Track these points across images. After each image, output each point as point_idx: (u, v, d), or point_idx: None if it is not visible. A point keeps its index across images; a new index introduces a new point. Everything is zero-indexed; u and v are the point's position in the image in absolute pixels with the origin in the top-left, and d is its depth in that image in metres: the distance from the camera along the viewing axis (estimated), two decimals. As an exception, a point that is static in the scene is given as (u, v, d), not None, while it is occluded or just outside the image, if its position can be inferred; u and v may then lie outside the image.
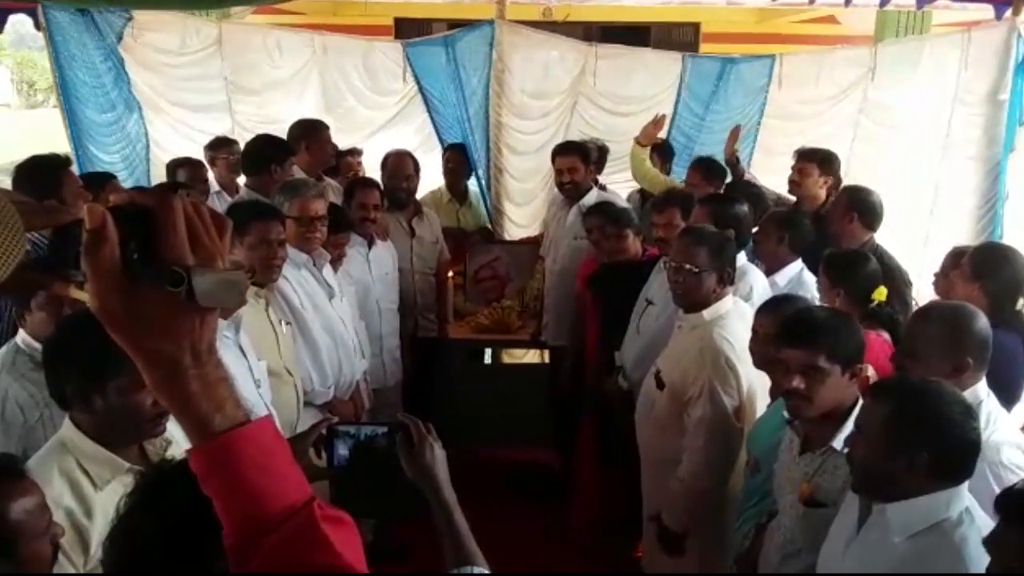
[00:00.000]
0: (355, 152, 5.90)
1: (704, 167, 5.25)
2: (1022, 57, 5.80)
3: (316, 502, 0.95)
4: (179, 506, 1.26)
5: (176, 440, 2.12)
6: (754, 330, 3.03)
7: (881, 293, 3.23)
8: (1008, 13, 5.83)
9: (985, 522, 1.97)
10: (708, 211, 3.95)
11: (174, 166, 5.32)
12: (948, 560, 1.91)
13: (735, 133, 5.51)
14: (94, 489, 1.99)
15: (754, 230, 4.27)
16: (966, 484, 2.01)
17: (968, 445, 2.00)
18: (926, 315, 2.65)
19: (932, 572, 1.92)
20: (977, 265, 3.34)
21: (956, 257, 3.79)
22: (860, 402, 2.47)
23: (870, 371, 3.29)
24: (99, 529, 1.92)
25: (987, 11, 6.14)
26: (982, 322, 2.62)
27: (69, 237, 3.05)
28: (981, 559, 1.77)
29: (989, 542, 1.65)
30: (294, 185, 3.91)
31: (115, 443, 2.04)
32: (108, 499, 1.94)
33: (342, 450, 1.80)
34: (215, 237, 0.90)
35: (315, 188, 3.91)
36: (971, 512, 1.99)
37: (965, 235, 5.88)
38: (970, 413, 2.02)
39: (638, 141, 5.37)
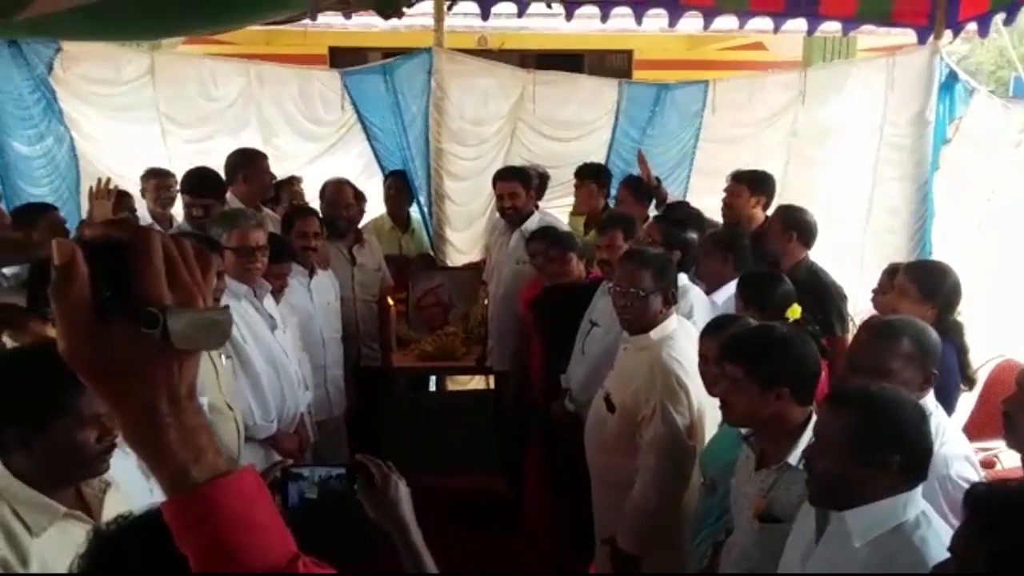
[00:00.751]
0: (295, 180, 5.84)
1: (633, 186, 5.38)
2: (944, 79, 6.01)
3: (301, 559, 0.90)
4: (139, 571, 1.18)
5: (115, 483, 2.04)
6: (702, 355, 3.06)
7: (795, 311, 3.28)
8: (931, 38, 6.03)
9: (942, 527, 2.01)
10: (660, 229, 3.97)
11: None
12: (910, 560, 1.94)
13: (641, 158, 5.67)
14: (30, 536, 1.90)
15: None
16: (920, 488, 2.05)
17: (929, 447, 2.07)
18: (892, 332, 2.70)
19: (897, 573, 1.94)
20: (925, 286, 3.46)
21: (892, 274, 3.90)
22: (814, 417, 2.51)
23: None
24: (35, 578, 1.83)
25: (910, 36, 6.36)
26: (936, 335, 2.75)
27: (46, 273, 2.94)
28: (942, 559, 1.80)
29: (956, 540, 1.67)
30: (232, 215, 3.84)
31: (53, 485, 1.95)
32: (45, 546, 1.87)
33: (297, 493, 1.73)
34: (197, 274, 0.85)
35: (254, 218, 3.85)
36: (927, 515, 2.03)
37: (898, 252, 6.03)
38: (925, 417, 2.11)
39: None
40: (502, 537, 4.85)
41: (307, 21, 5.71)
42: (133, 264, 0.81)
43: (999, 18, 5.68)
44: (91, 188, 4.25)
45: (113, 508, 1.92)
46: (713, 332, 3.02)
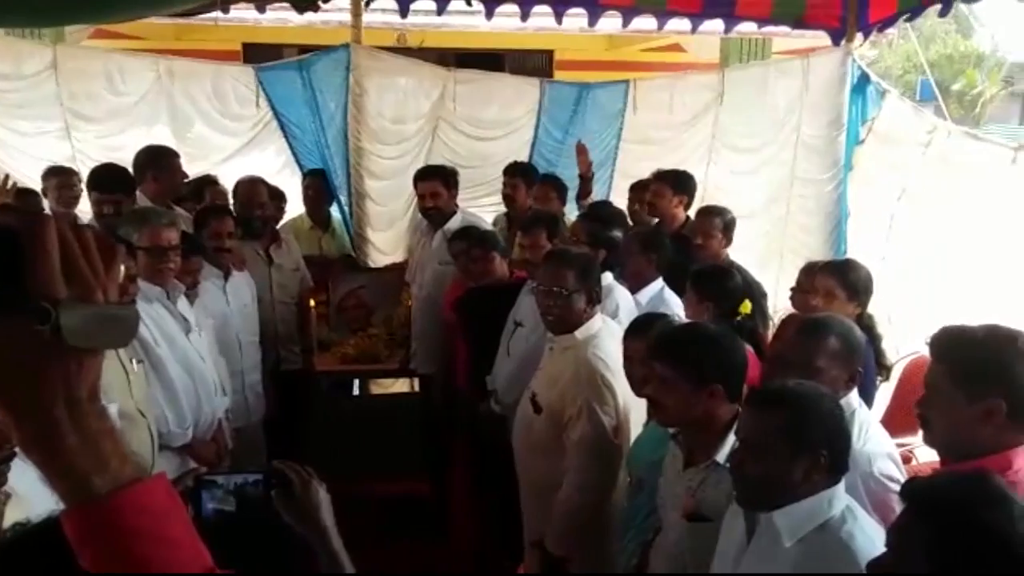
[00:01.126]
0: (213, 181, 5.64)
1: (552, 183, 5.39)
2: (856, 81, 6.15)
3: None
4: None
5: (17, 493, 1.91)
6: (627, 356, 3.04)
7: (746, 307, 3.31)
8: (843, 41, 6.17)
9: (867, 520, 2.03)
10: (585, 229, 3.95)
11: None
12: (838, 557, 1.94)
13: (582, 148, 5.69)
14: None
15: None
16: (843, 482, 2.06)
17: (849, 440, 2.09)
18: (819, 330, 2.70)
19: (826, 572, 1.94)
20: (849, 285, 3.53)
21: (809, 272, 3.98)
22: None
23: None
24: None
25: (823, 38, 6.50)
26: (860, 333, 2.78)
27: None
28: (870, 554, 1.80)
29: (893, 532, 1.67)
30: (142, 213, 3.69)
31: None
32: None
33: (211, 502, 1.62)
34: (98, 266, 0.78)
35: (167, 216, 3.69)
36: (852, 510, 2.04)
37: (815, 251, 6.15)
38: (842, 409, 2.14)
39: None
40: (428, 542, 4.79)
41: (218, 14, 5.55)
42: (24, 253, 0.73)
43: (905, 21, 5.85)
44: None
45: (13, 520, 1.80)
46: (637, 332, 3.01)
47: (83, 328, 0.74)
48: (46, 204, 5.06)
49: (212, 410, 3.74)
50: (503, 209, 5.75)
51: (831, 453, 2.02)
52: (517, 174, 5.57)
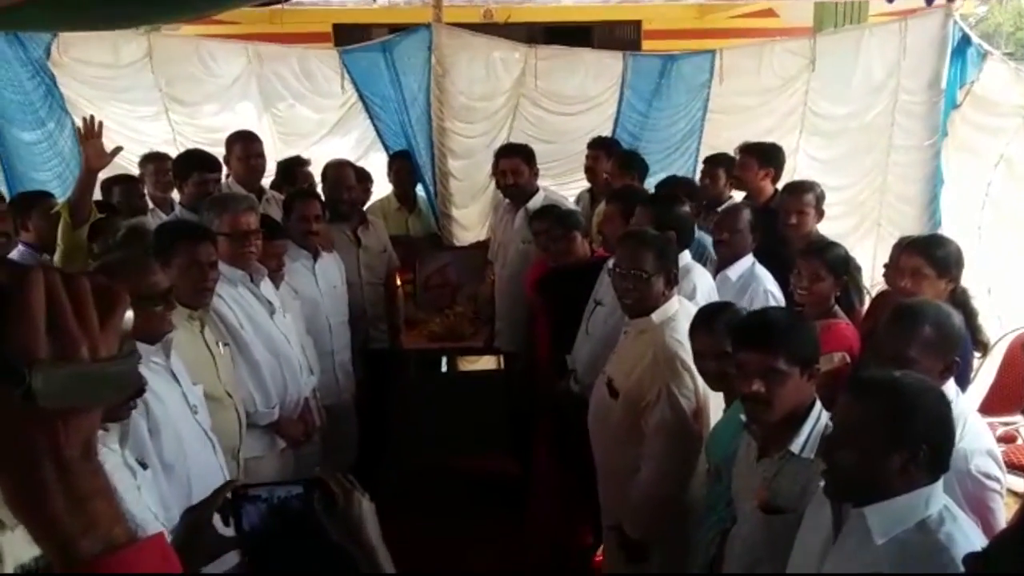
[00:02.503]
0: (303, 162, 5.77)
1: (628, 159, 5.25)
2: (956, 43, 5.86)
3: None
4: None
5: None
6: (697, 351, 2.97)
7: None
8: (942, 0, 5.87)
9: (967, 522, 1.93)
10: (650, 214, 3.86)
11: (109, 184, 5.13)
12: (936, 559, 1.85)
13: None
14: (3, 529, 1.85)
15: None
16: (942, 481, 1.96)
17: (952, 438, 1.99)
18: (914, 317, 2.59)
19: (922, 572, 1.86)
20: (937, 263, 3.35)
21: (900, 248, 3.81)
22: (818, 403, 2.43)
23: (847, 359, 3.29)
24: None
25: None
26: (960, 319, 2.65)
27: None
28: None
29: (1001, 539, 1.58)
30: (222, 200, 3.77)
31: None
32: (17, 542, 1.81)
33: (253, 516, 1.57)
34: (91, 319, 0.74)
35: (245, 201, 3.77)
36: (951, 510, 1.94)
37: (913, 221, 5.92)
38: (950, 406, 2.02)
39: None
40: (511, 519, 4.82)
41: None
42: (5, 311, 0.70)
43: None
44: (78, 130, 4.16)
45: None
46: (704, 326, 2.92)
47: (60, 389, 0.70)
48: (145, 190, 5.25)
49: (298, 389, 3.82)
50: (585, 185, 5.69)
51: (932, 449, 1.92)
52: (600, 147, 5.50)
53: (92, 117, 4.08)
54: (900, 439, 1.91)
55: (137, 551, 0.76)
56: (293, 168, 5.62)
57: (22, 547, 1.78)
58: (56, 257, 3.98)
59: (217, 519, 1.60)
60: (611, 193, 4.47)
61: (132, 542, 0.76)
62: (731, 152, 5.23)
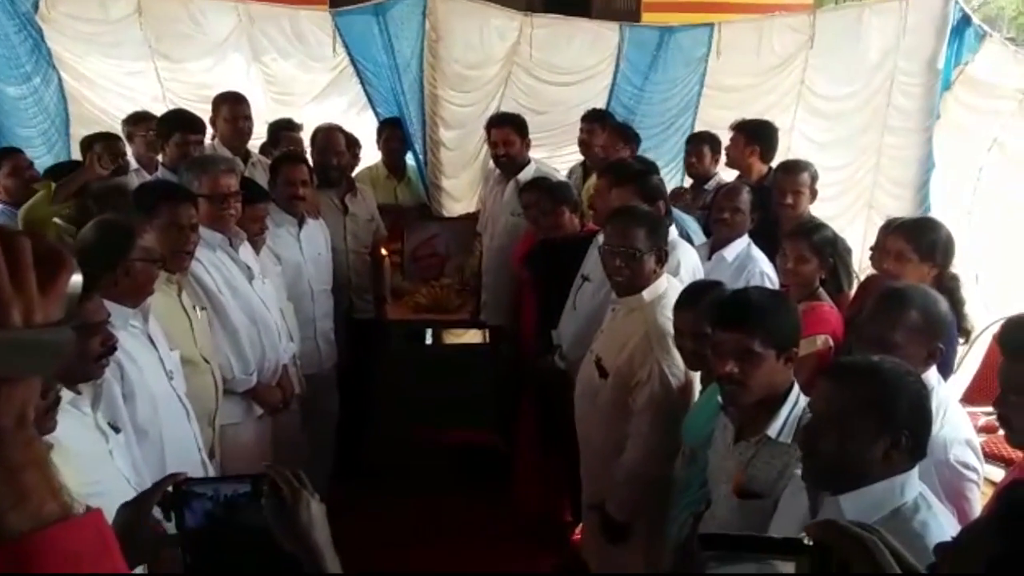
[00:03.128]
0: (293, 126, 5.68)
1: (621, 132, 5.20)
2: (956, 23, 5.78)
3: None
4: None
5: (60, 442, 1.94)
6: (678, 328, 2.92)
7: None
8: (946, -20, 5.80)
9: (942, 510, 1.90)
10: (633, 189, 3.74)
11: (89, 141, 5.04)
12: (909, 547, 1.81)
13: None
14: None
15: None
16: (917, 468, 1.93)
17: (930, 424, 1.96)
18: (900, 301, 2.55)
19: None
20: (922, 245, 3.30)
21: (887, 229, 3.77)
22: (796, 388, 2.39)
23: (830, 342, 3.25)
24: None
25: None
26: (946, 306, 2.61)
27: None
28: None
29: (969, 528, 1.55)
30: (202, 161, 3.71)
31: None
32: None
33: (196, 513, 1.49)
34: (28, 282, 0.69)
35: (225, 163, 3.71)
36: (926, 498, 1.91)
37: (906, 204, 5.87)
38: (928, 392, 1.99)
39: None
40: (494, 493, 4.81)
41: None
42: None
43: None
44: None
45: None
46: (688, 304, 2.88)
47: None
48: (129, 150, 5.17)
49: (276, 356, 3.77)
50: (578, 158, 5.62)
51: (913, 435, 1.89)
52: (595, 120, 5.42)
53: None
54: (884, 426, 1.88)
55: (69, 528, 0.72)
56: (280, 131, 5.54)
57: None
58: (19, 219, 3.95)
59: (159, 513, 1.52)
60: (603, 167, 4.40)
61: (65, 519, 0.72)
62: (726, 129, 5.18)
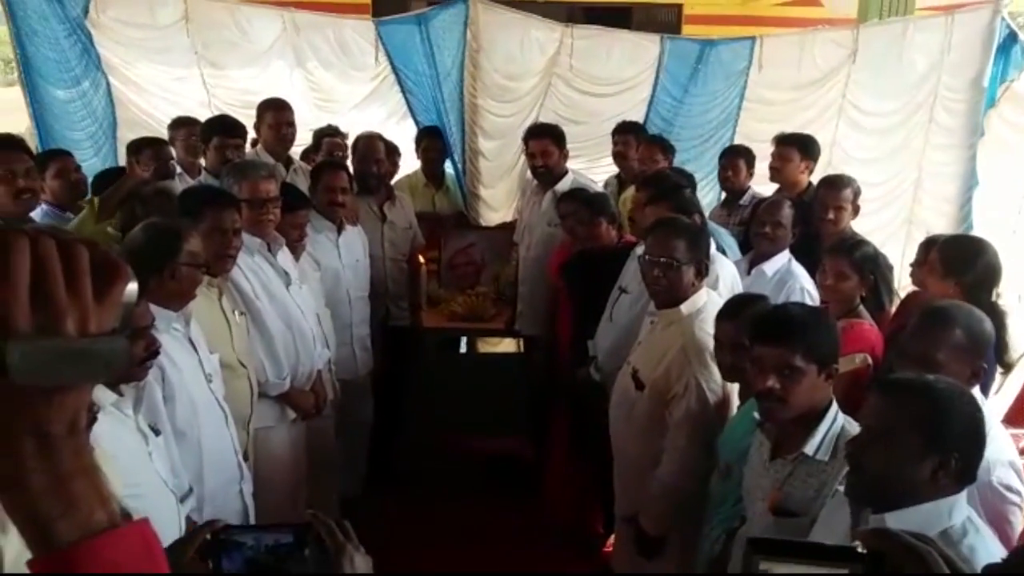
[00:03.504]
0: (338, 133, 5.73)
1: (659, 144, 5.18)
2: (1002, 40, 5.70)
3: None
4: None
5: (102, 447, 1.97)
6: (717, 339, 2.90)
7: None
8: (993, -5, 5.72)
9: (989, 535, 1.87)
10: (669, 205, 3.74)
11: (136, 146, 5.12)
12: None
13: None
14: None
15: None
16: (965, 492, 1.90)
17: (983, 447, 1.92)
18: (945, 320, 2.52)
19: None
20: (947, 262, 3.27)
21: (928, 246, 3.73)
22: (834, 405, 2.37)
23: (868, 360, 3.21)
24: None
25: (970, -8, 6.04)
26: (989, 325, 2.58)
27: None
28: None
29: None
30: (242, 166, 3.76)
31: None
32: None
33: (234, 560, 1.46)
34: (83, 291, 0.69)
35: (265, 169, 3.76)
36: (974, 522, 1.87)
37: (947, 221, 5.79)
38: (983, 413, 1.95)
39: None
40: (525, 502, 4.81)
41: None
42: None
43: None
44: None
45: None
46: (729, 316, 2.86)
47: (38, 365, 0.66)
48: (174, 152, 5.25)
49: (311, 361, 3.80)
50: (614, 170, 5.61)
51: (963, 458, 1.85)
52: (629, 132, 5.41)
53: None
54: (933, 445, 1.85)
55: (116, 538, 0.72)
56: (324, 137, 5.60)
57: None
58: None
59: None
60: (643, 179, 4.39)
61: (113, 528, 0.72)
62: (765, 142, 5.14)
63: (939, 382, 1.96)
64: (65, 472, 0.70)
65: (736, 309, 2.86)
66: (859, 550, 1.20)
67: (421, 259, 5.51)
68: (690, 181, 4.44)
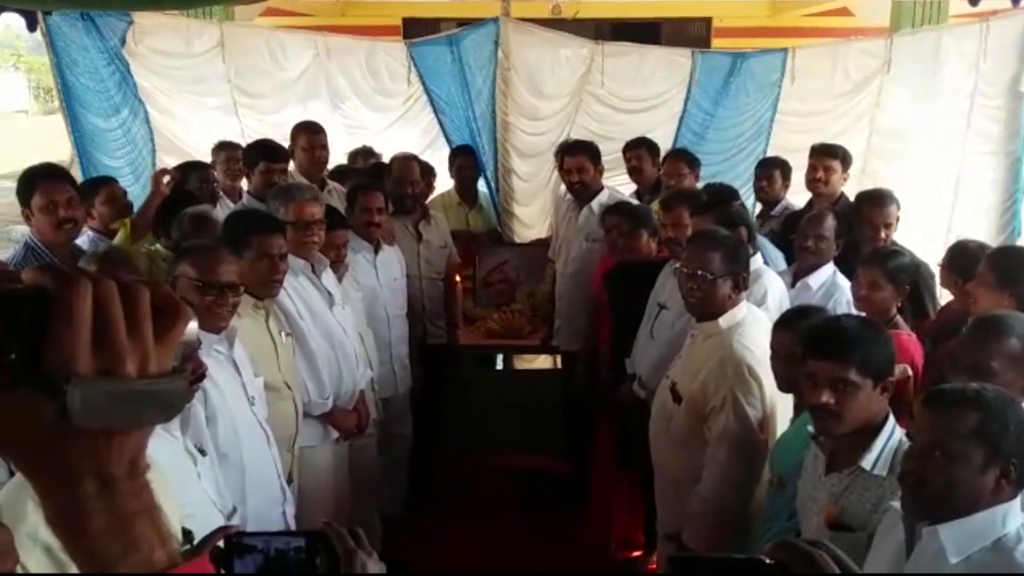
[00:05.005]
0: (372, 154, 5.79)
1: (685, 157, 5.19)
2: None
3: None
4: None
5: (156, 464, 1.98)
6: (774, 349, 2.87)
7: None
8: (1026, 2, 5.65)
9: None
10: (713, 217, 3.73)
11: (185, 169, 5.18)
12: None
13: None
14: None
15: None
16: (1019, 499, 1.89)
17: None
18: (1000, 328, 2.49)
19: None
20: (1001, 273, 3.18)
21: (956, 250, 3.69)
22: (891, 418, 2.34)
23: (908, 371, 3.17)
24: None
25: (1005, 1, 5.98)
26: None
27: None
28: None
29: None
30: (288, 189, 3.80)
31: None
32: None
33: (247, 565, 1.45)
34: (143, 333, 0.69)
35: (309, 191, 3.81)
36: None
37: (987, 230, 5.72)
38: None
39: None
40: (564, 519, 4.79)
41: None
42: (50, 319, 0.66)
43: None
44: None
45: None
46: (787, 326, 2.83)
47: (98, 408, 0.66)
48: (217, 176, 5.33)
49: (353, 381, 3.83)
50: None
51: (1021, 464, 1.85)
52: (641, 147, 5.40)
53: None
54: (993, 455, 1.85)
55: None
56: (356, 157, 5.65)
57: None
58: None
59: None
60: (674, 194, 4.39)
61: (173, 566, 0.73)
62: (799, 154, 5.12)
63: (987, 391, 1.94)
64: (126, 513, 0.71)
65: (794, 319, 2.84)
66: (767, 562, 1.22)
67: (457, 277, 5.53)
68: (734, 196, 4.44)
